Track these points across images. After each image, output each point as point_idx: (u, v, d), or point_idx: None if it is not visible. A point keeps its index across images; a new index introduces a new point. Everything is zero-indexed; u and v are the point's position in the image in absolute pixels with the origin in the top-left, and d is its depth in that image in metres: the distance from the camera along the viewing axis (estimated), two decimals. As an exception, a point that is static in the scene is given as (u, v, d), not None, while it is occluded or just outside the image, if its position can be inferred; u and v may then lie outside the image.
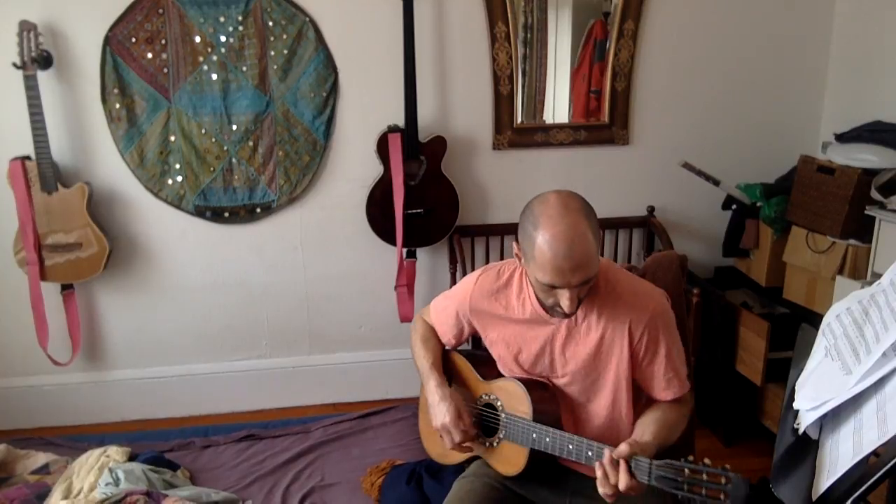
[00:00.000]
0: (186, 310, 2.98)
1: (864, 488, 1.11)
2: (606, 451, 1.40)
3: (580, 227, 1.41)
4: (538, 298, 1.57)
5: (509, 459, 1.67)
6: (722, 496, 1.23)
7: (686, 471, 1.27)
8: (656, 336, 1.57)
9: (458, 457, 1.81)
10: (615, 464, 1.37)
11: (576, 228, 1.41)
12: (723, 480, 1.23)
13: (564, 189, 1.50)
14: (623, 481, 1.36)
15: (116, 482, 2.16)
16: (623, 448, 1.38)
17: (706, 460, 1.27)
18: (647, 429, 1.52)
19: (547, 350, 1.63)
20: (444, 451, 1.83)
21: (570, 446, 1.50)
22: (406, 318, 2.97)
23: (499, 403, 1.69)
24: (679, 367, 1.61)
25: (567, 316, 1.54)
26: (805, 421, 1.32)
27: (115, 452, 2.36)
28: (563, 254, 1.40)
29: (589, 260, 1.42)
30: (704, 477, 1.25)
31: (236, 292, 2.99)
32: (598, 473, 1.39)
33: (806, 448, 1.30)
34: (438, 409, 1.69)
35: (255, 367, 3.08)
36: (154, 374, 3.02)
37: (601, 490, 1.39)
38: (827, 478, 1.18)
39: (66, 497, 2.14)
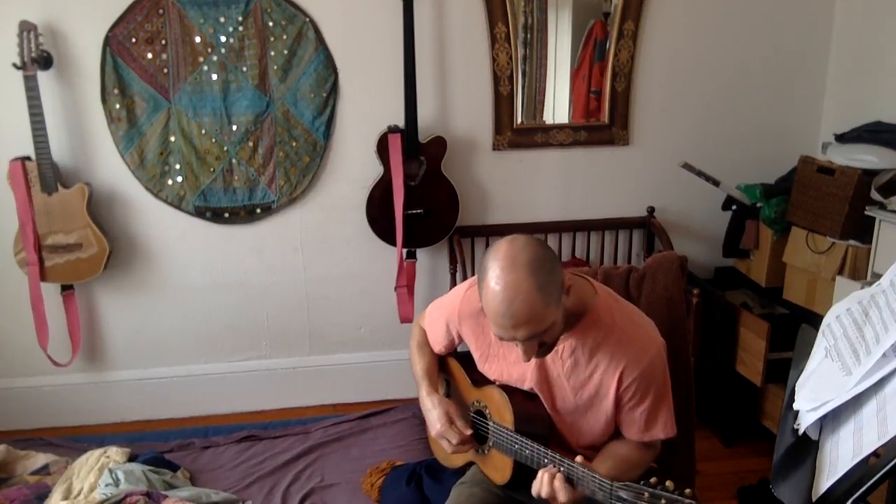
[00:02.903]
0: (186, 310, 2.98)
1: (864, 489, 1.11)
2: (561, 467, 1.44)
3: (523, 286, 1.34)
4: None
5: (498, 468, 1.67)
6: None
7: (646, 494, 1.26)
8: (646, 387, 1.53)
9: (462, 459, 1.81)
10: (552, 475, 1.42)
11: (517, 287, 1.34)
12: None
13: (522, 236, 1.42)
14: (545, 488, 1.42)
15: (116, 483, 2.16)
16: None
17: (668, 483, 1.25)
18: (604, 462, 1.54)
19: (528, 376, 1.61)
20: (447, 454, 1.83)
21: (545, 461, 1.50)
22: (406, 318, 2.97)
23: (487, 411, 1.69)
24: (661, 416, 1.57)
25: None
26: (805, 421, 1.32)
27: (115, 453, 2.35)
28: (502, 312, 1.35)
29: (531, 318, 1.35)
30: (663, 502, 1.24)
31: (236, 293, 2.99)
32: (538, 475, 1.45)
33: (806, 449, 1.30)
34: (430, 418, 1.70)
35: (255, 368, 3.08)
36: (154, 375, 3.02)
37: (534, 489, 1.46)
38: (827, 478, 1.18)
39: (65, 498, 2.14)
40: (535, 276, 1.35)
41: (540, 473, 1.45)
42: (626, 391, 1.53)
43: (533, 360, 1.57)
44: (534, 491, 1.45)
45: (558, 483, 1.41)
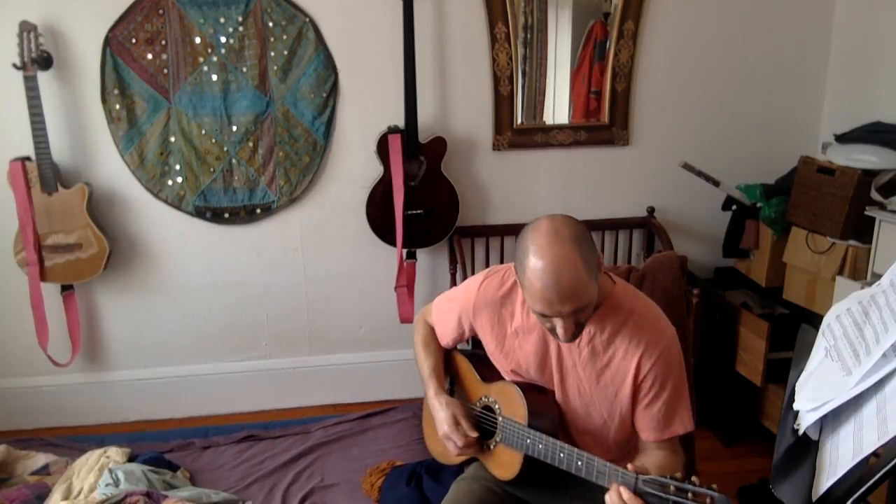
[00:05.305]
0: (186, 310, 2.98)
1: (864, 489, 1.11)
2: (607, 468, 1.37)
3: (570, 258, 1.36)
4: None
5: (504, 463, 1.67)
6: None
7: (672, 487, 1.26)
8: (665, 374, 1.52)
9: (459, 457, 1.81)
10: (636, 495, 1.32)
11: (565, 259, 1.36)
12: (707, 501, 1.21)
13: (559, 214, 1.45)
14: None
15: (116, 483, 2.16)
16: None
17: (693, 478, 1.25)
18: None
19: (547, 364, 1.62)
20: (444, 450, 1.83)
21: (562, 455, 1.49)
22: (406, 318, 2.97)
23: (497, 407, 1.69)
24: (680, 409, 1.55)
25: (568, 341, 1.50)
26: (805, 422, 1.33)
27: (115, 453, 2.36)
28: (551, 284, 1.36)
29: (578, 290, 1.37)
30: (689, 496, 1.23)
31: (236, 293, 2.99)
32: (614, 496, 1.34)
33: (806, 449, 1.30)
34: (437, 418, 1.70)
35: (255, 368, 3.08)
36: (154, 375, 3.02)
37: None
38: (827, 478, 1.18)
39: (65, 498, 2.14)
40: (580, 249, 1.38)
41: (610, 497, 1.34)
42: (646, 379, 1.52)
43: (551, 350, 1.58)
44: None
45: (626, 494, 1.32)
